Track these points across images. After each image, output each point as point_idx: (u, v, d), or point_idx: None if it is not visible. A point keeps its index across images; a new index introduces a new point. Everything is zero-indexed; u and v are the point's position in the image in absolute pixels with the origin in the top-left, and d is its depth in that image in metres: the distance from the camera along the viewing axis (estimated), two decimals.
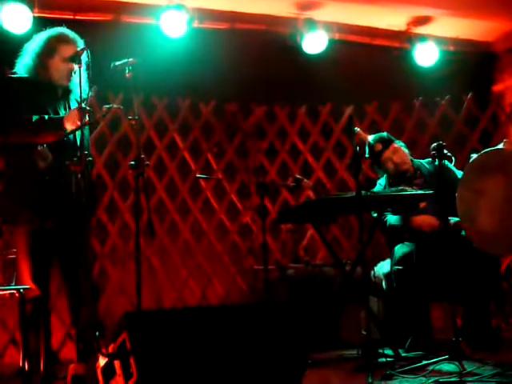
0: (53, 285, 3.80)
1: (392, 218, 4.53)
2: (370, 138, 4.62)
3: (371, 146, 4.60)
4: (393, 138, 4.75)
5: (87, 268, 3.75)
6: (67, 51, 3.68)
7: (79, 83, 3.49)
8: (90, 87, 3.64)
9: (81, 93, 3.45)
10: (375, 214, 4.49)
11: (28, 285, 3.58)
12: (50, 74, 3.70)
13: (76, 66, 3.60)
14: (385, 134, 4.78)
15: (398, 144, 4.71)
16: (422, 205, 4.38)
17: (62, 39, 3.73)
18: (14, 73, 3.76)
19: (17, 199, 3.59)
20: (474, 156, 3.98)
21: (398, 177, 4.63)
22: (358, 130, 4.32)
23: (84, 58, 3.59)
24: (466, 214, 3.80)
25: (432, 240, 4.26)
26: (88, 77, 3.62)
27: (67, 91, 3.80)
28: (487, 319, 4.31)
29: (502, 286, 4.42)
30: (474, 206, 3.78)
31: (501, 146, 3.93)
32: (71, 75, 3.73)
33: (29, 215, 3.57)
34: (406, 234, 4.48)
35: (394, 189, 4.46)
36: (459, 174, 4.37)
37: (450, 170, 4.50)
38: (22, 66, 3.75)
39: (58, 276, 3.75)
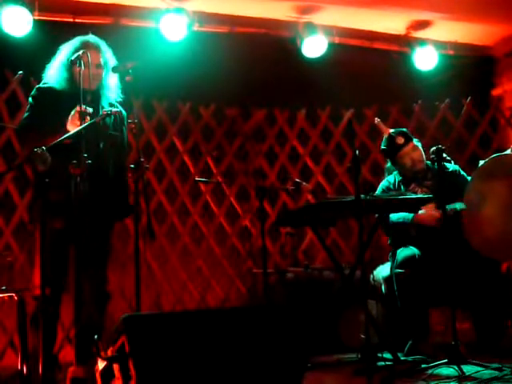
0: None
1: (394, 216, 4.45)
2: (391, 130, 4.53)
3: (392, 139, 4.49)
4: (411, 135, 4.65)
5: (97, 272, 3.77)
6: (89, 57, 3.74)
7: (108, 86, 3.75)
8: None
9: (81, 95, 3.48)
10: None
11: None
12: (75, 81, 3.73)
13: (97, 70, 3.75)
14: (405, 129, 4.66)
15: (417, 143, 4.60)
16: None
17: (83, 46, 3.80)
18: (44, 83, 3.87)
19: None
20: (482, 162, 3.96)
21: (411, 175, 4.57)
22: (378, 120, 4.28)
23: (112, 61, 3.79)
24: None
25: (435, 244, 4.24)
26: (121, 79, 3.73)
27: (97, 96, 3.84)
28: (500, 325, 4.30)
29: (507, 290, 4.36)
30: (478, 210, 3.79)
31: (508, 151, 3.92)
32: (97, 79, 3.80)
33: (39, 214, 3.62)
34: (412, 230, 4.44)
35: (393, 192, 4.46)
36: (469, 179, 4.31)
37: (459, 175, 4.51)
38: (51, 77, 3.85)
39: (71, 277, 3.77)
